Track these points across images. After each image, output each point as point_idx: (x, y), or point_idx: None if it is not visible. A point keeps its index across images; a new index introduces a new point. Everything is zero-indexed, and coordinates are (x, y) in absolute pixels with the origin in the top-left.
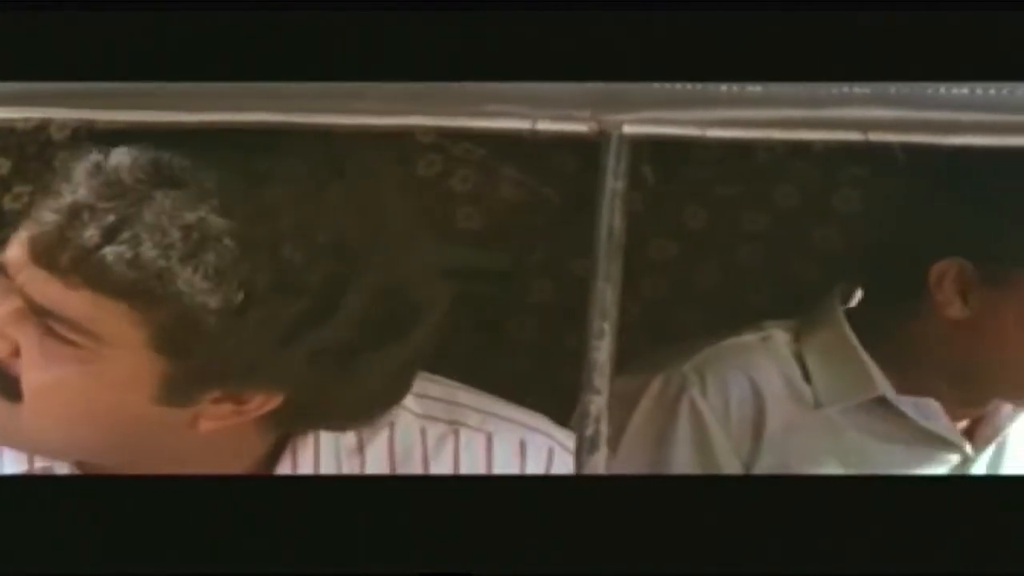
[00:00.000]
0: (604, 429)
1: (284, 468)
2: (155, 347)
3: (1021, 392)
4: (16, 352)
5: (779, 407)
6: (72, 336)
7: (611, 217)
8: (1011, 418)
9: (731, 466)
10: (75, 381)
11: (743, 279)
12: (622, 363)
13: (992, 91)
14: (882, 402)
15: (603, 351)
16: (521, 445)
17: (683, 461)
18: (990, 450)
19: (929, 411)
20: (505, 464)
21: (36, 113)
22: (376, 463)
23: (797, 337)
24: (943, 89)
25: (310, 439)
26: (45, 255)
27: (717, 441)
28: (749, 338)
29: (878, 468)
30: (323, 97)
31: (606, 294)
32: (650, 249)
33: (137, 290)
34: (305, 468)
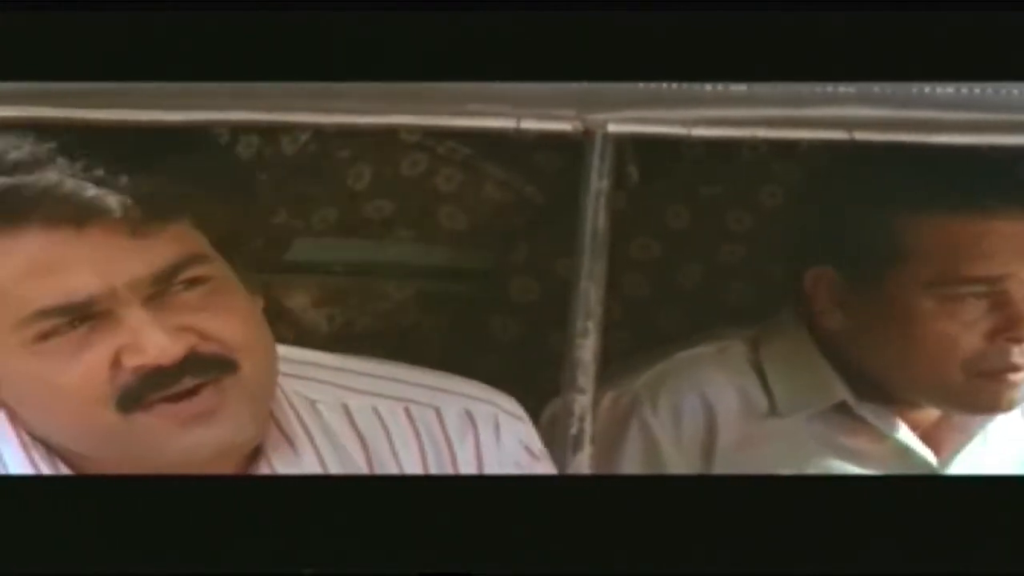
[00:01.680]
0: (588, 428)
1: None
2: (219, 248)
3: (926, 394)
4: (204, 336)
5: (732, 422)
6: (199, 271)
7: (595, 216)
8: (982, 424)
9: None
10: (236, 306)
11: (726, 279)
12: (603, 364)
13: (977, 90)
14: (841, 411)
15: (587, 350)
16: (468, 415)
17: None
18: (958, 458)
19: (889, 419)
20: (459, 434)
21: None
22: (351, 443)
23: (755, 346)
24: (928, 88)
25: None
26: (131, 225)
27: (668, 458)
28: (704, 350)
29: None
30: (307, 96)
31: (590, 293)
32: (633, 249)
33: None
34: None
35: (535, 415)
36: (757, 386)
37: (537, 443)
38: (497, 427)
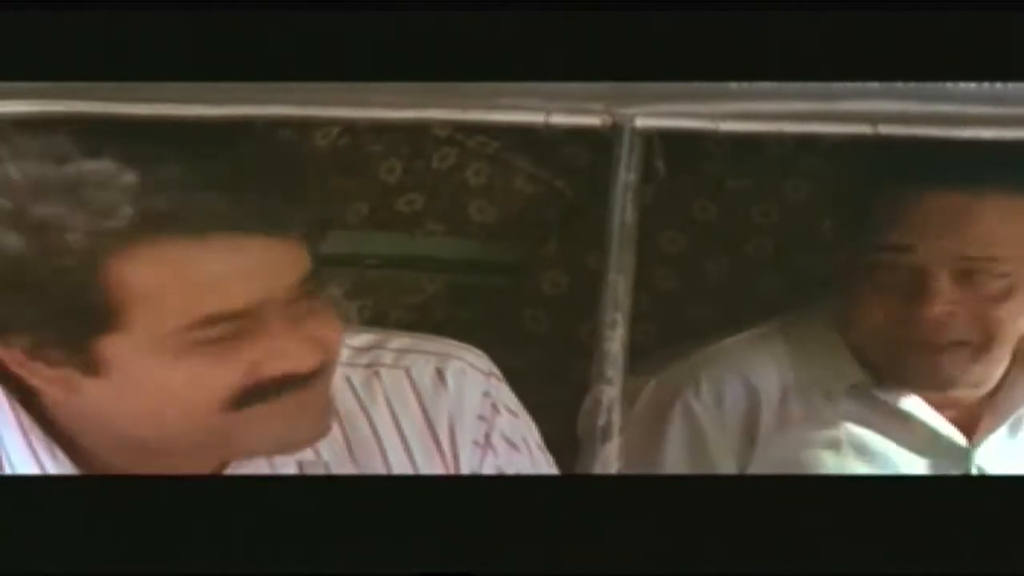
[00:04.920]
0: (616, 419)
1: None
2: None
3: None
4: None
5: (774, 406)
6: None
7: (624, 210)
8: (1014, 408)
9: (727, 467)
10: None
11: (753, 272)
12: (631, 355)
13: (999, 85)
14: (869, 395)
15: (616, 342)
16: (438, 373)
17: (676, 463)
18: (989, 440)
19: (912, 404)
20: (431, 394)
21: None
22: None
23: (787, 334)
24: (951, 83)
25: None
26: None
27: (712, 442)
28: (744, 337)
29: (876, 461)
30: (340, 90)
31: (619, 285)
32: (661, 242)
33: None
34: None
35: (566, 405)
36: (791, 370)
37: (509, 400)
38: (464, 378)
